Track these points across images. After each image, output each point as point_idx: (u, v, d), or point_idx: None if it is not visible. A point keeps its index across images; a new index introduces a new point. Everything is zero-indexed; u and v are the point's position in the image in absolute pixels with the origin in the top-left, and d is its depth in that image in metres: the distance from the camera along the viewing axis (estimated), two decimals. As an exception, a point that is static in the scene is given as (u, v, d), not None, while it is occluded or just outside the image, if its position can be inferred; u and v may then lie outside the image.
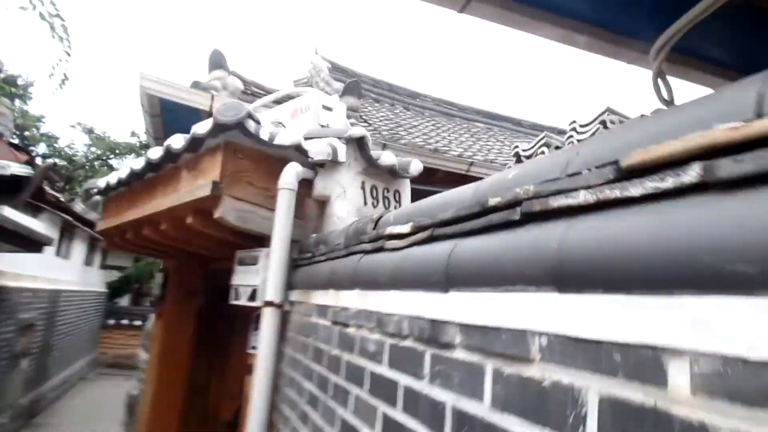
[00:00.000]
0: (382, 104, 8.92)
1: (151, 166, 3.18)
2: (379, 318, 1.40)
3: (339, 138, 3.02)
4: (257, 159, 2.83)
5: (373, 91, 9.24)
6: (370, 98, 8.79)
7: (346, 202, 2.92)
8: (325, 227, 2.90)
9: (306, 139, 2.99)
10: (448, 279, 1.05)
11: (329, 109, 3.64)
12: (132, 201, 3.68)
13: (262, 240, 2.92)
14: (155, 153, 3.10)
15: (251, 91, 5.64)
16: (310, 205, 2.99)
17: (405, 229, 1.35)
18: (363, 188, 3.12)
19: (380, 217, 1.78)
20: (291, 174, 2.70)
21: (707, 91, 3.23)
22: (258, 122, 2.73)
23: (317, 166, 2.92)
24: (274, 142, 2.75)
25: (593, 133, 3.29)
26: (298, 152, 2.82)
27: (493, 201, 0.98)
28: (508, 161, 6.78)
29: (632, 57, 2.98)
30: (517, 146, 4.11)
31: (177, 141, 2.90)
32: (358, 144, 3.05)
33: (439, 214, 1.19)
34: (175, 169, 3.11)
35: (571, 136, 3.51)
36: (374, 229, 1.75)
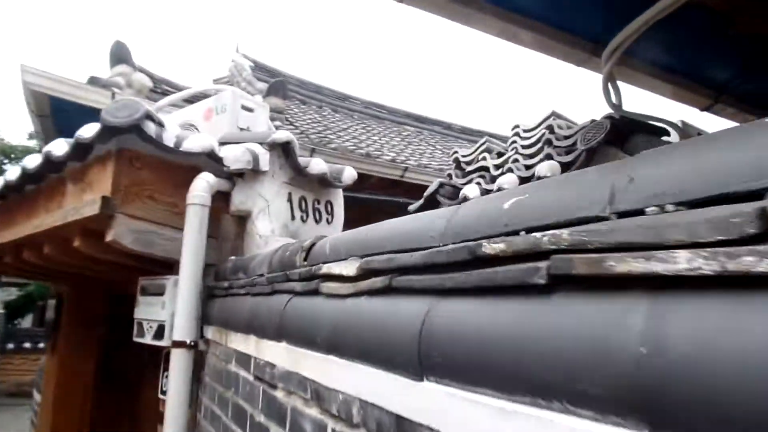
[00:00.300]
0: (309, 106, 8.49)
1: (28, 176, 2.62)
2: (317, 390, 1.04)
3: (261, 143, 2.61)
4: (161, 169, 2.36)
5: (299, 92, 8.78)
6: (296, 100, 8.33)
7: (271, 217, 2.52)
8: (246, 248, 2.48)
9: (221, 144, 2.55)
10: (422, 360, 0.71)
11: (250, 110, 3.21)
12: (9, 218, 3.06)
13: (171, 265, 2.46)
14: (33, 161, 2.55)
15: (162, 90, 5.05)
16: (227, 222, 2.56)
17: (349, 270, 1.00)
18: (290, 200, 2.72)
19: (313, 245, 1.41)
20: (202, 186, 2.27)
21: (654, 97, 3.11)
22: (160, 124, 2.27)
23: (235, 176, 2.50)
24: (182, 149, 2.30)
25: (539, 139, 3.09)
26: (212, 160, 2.39)
27: (490, 248, 0.65)
28: (443, 166, 6.59)
29: (582, 59, 2.79)
30: (456, 151, 3.87)
31: (59, 147, 2.38)
32: (284, 150, 2.65)
33: (399, 257, 0.85)
34: (59, 181, 2.57)
35: (514, 142, 3.30)
36: (305, 260, 1.39)
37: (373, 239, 1.03)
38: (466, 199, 3.43)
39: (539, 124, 3.17)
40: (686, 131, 2.97)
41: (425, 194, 3.75)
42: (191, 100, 3.35)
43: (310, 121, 7.23)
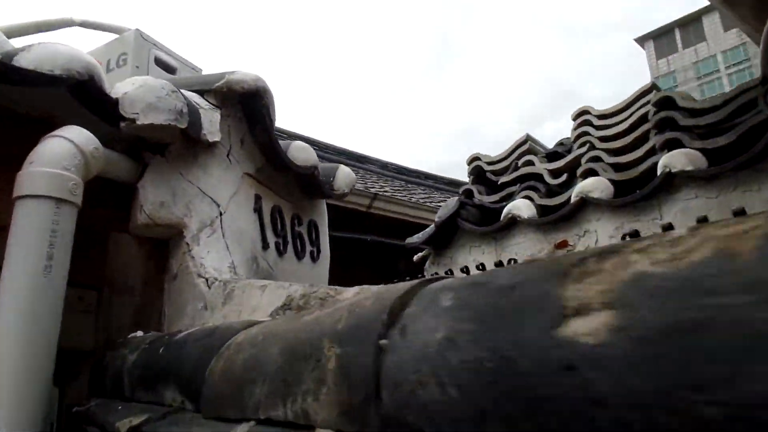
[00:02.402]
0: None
1: None
2: None
3: (203, 93, 1.28)
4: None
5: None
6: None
7: (228, 238, 1.16)
8: (171, 309, 1.09)
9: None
10: None
11: (170, 68, 1.86)
12: None
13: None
14: None
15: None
16: (128, 252, 1.16)
17: None
18: (258, 211, 1.38)
19: None
20: (59, 154, 0.89)
21: None
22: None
23: (146, 152, 1.13)
24: (16, 63, 0.92)
25: (637, 122, 2.02)
26: (89, 102, 1.02)
27: None
28: (408, 197, 5.44)
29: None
30: (477, 158, 2.71)
31: None
32: (248, 108, 1.33)
33: None
34: None
35: (585, 134, 2.21)
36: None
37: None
38: (514, 219, 2.25)
39: (631, 104, 2.10)
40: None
41: (438, 218, 2.52)
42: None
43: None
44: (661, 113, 1.93)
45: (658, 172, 1.81)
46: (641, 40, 28.30)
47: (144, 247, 1.16)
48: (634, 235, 1.69)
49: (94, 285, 1.07)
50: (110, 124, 1.05)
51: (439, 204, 5.86)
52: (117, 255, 1.14)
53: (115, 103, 1.03)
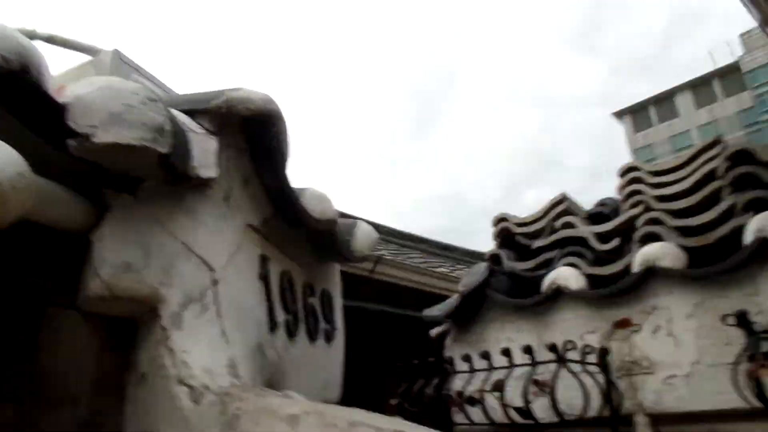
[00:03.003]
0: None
1: None
2: None
3: (193, 113, 0.94)
4: None
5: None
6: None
7: (224, 320, 0.78)
8: (136, 430, 0.69)
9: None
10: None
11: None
12: None
13: None
14: None
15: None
16: (72, 335, 0.77)
17: None
18: (266, 278, 1.01)
19: None
20: None
21: None
22: None
23: (108, 192, 0.77)
24: None
25: (707, 177, 1.72)
26: (21, 104, 0.66)
27: None
28: (408, 261, 5.06)
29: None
30: (504, 218, 2.37)
31: None
32: (255, 138, 0.99)
33: None
34: None
35: (636, 192, 1.90)
36: None
37: None
38: (560, 291, 1.88)
39: (693, 158, 1.82)
40: None
41: (463, 287, 2.15)
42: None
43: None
44: (738, 168, 1.63)
45: (748, 238, 1.48)
46: (618, 115, 29.38)
47: (98, 331, 0.77)
48: (743, 316, 1.35)
49: (10, 395, 0.67)
50: (51, 141, 0.69)
51: (440, 269, 5.47)
52: (54, 345, 0.75)
53: (61, 109, 0.68)
